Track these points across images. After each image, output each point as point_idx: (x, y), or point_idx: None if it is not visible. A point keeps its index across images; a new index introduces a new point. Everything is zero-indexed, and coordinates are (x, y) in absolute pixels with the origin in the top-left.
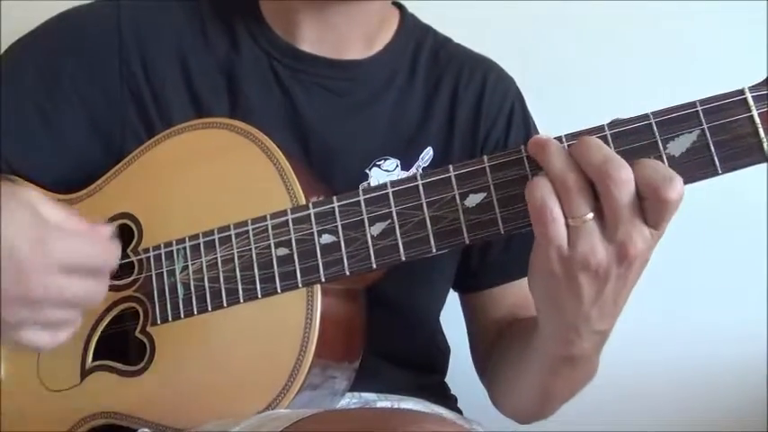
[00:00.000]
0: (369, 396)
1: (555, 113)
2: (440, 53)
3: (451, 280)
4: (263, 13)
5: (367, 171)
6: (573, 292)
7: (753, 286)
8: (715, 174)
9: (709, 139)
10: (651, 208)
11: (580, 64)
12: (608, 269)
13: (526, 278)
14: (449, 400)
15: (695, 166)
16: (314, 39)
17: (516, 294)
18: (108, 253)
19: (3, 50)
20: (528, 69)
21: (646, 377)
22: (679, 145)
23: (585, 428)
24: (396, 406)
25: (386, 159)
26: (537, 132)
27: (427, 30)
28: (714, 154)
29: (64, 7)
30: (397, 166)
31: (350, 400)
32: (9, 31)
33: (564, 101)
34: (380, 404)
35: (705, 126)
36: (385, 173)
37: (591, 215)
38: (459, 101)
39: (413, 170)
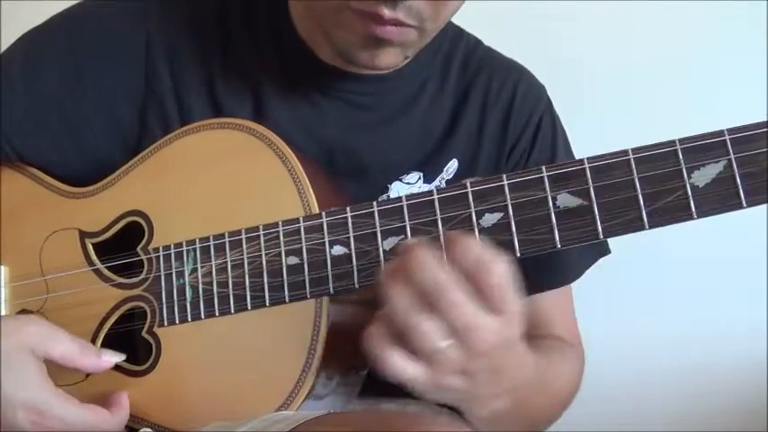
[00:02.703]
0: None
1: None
2: (470, 60)
3: None
4: (293, 21)
5: (388, 185)
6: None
7: (753, 286)
8: (739, 207)
9: (736, 170)
10: (480, 294)
11: (580, 65)
12: (466, 367)
13: (538, 294)
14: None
15: (719, 198)
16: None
17: (526, 310)
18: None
19: (7, 46)
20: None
21: (646, 377)
22: (704, 175)
23: (586, 428)
24: (400, 408)
25: (408, 173)
26: (565, 145)
27: (460, 33)
28: (740, 186)
29: (64, 7)
30: (420, 178)
31: (354, 400)
32: (9, 30)
33: (567, 101)
34: (386, 406)
35: (732, 156)
36: (406, 185)
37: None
38: (489, 112)
39: (436, 182)
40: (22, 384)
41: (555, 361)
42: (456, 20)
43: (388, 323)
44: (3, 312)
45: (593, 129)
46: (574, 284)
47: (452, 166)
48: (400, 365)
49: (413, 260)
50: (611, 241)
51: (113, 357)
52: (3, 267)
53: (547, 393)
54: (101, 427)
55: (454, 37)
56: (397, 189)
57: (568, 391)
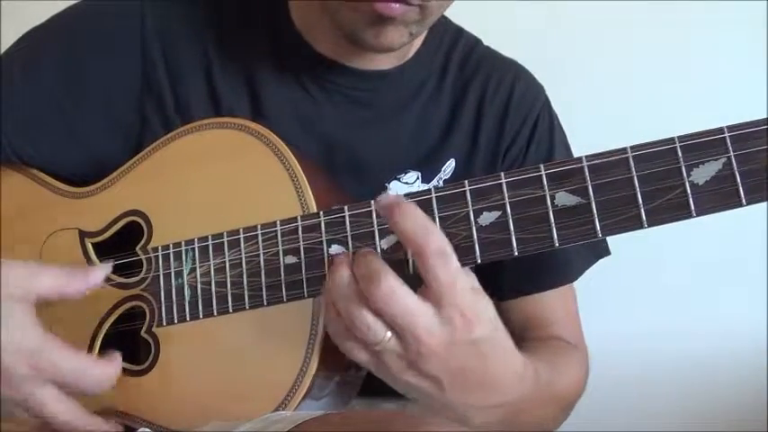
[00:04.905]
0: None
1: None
2: (469, 59)
3: None
4: (291, 16)
5: (386, 183)
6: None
7: (753, 286)
8: (739, 205)
9: (735, 168)
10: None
11: (581, 64)
12: (419, 366)
13: (539, 294)
14: None
15: (719, 196)
16: (342, 49)
17: (526, 310)
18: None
19: (6, 48)
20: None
21: (646, 377)
22: (703, 172)
23: (586, 428)
24: (400, 408)
25: (406, 172)
26: (563, 146)
27: (459, 32)
28: (739, 184)
29: (64, 6)
30: (418, 178)
31: (354, 401)
32: (9, 30)
33: (565, 100)
34: (386, 405)
35: (732, 154)
36: (405, 185)
37: (387, 336)
38: (486, 111)
39: (434, 182)
40: (12, 332)
41: (560, 368)
42: (455, 18)
43: (337, 314)
44: None
45: (593, 127)
46: (575, 283)
47: (450, 165)
48: (355, 355)
49: (358, 256)
50: (612, 240)
51: (102, 270)
52: None
53: (551, 402)
54: (92, 371)
55: (453, 35)
56: (396, 188)
57: (573, 396)
